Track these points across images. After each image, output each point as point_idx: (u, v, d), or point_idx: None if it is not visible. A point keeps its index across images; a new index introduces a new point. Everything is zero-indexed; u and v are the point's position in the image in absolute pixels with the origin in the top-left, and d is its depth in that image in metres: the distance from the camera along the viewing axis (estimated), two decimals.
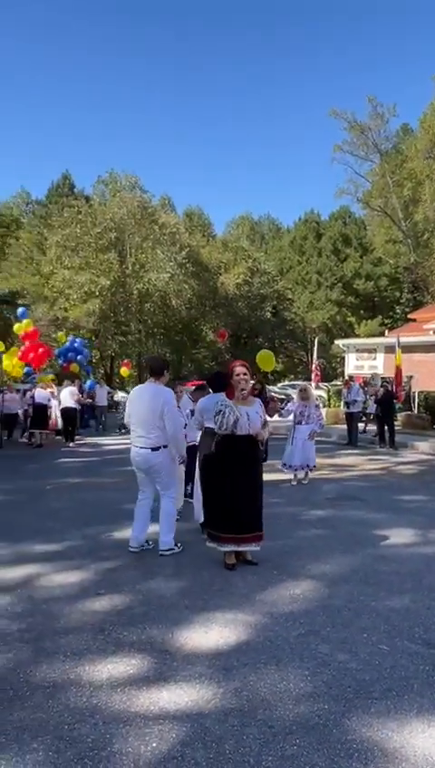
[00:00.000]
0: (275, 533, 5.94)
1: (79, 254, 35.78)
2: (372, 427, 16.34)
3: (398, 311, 50.85)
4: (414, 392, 19.73)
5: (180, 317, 40.48)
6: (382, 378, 21.33)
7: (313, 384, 24.40)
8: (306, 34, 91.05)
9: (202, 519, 5.66)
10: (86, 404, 18.05)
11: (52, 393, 15.83)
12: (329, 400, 23.86)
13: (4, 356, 16.61)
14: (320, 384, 27.43)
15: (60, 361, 20.73)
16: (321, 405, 23.16)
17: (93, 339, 35.86)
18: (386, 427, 14.35)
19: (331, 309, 50.90)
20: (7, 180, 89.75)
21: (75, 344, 20.68)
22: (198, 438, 6.51)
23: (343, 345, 25.83)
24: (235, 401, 5.02)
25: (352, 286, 51.85)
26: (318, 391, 26.56)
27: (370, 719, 2.77)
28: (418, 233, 39.52)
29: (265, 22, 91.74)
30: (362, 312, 52.56)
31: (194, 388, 7.73)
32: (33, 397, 15.32)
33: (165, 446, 5.35)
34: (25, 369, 17.75)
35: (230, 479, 4.99)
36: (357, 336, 43.07)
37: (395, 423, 14.95)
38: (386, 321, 48.71)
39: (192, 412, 6.66)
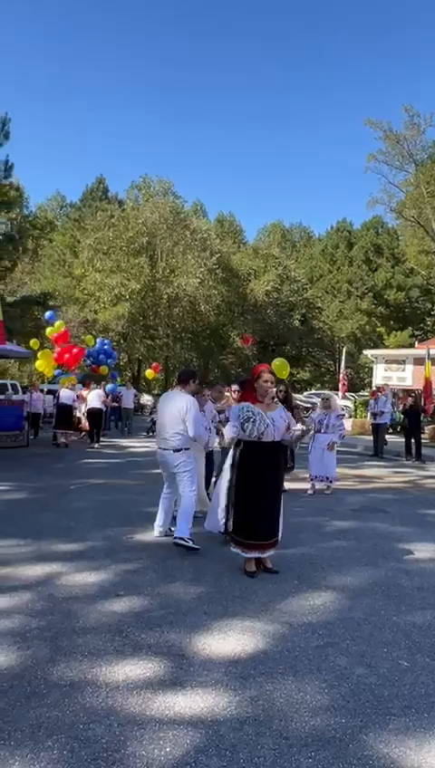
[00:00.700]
0: (297, 543, 5.90)
1: (110, 258, 36.16)
2: (395, 439, 16.14)
3: (429, 322, 50.28)
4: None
5: (208, 322, 40.57)
6: (409, 390, 21.08)
7: (339, 394, 24.25)
8: (347, 42, 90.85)
9: (218, 529, 5.65)
10: (111, 406, 18.21)
11: (78, 396, 16.02)
12: (355, 411, 23.65)
13: (39, 356, 16.82)
14: (347, 394, 27.24)
15: (88, 362, 20.89)
16: (347, 415, 22.97)
17: (122, 342, 36.15)
18: (413, 440, 14.15)
19: (360, 319, 50.44)
20: (44, 183, 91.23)
21: (105, 347, 20.84)
22: (215, 444, 6.60)
23: (372, 355, 25.60)
24: (264, 409, 4.99)
25: (382, 296, 51.31)
26: (345, 401, 26.40)
27: (388, 736, 2.72)
28: None
29: (307, 27, 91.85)
30: (391, 322, 51.95)
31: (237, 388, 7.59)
32: (57, 397, 15.51)
33: (186, 449, 5.76)
34: (56, 372, 17.99)
35: (256, 486, 4.98)
36: (386, 347, 42.64)
37: (422, 436, 14.74)
38: (416, 333, 48.10)
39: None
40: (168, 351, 40.78)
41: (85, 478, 9.90)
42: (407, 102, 63.07)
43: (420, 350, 22.40)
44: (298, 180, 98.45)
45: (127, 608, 4.16)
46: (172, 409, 5.73)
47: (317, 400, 12.19)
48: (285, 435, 5.06)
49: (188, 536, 5.63)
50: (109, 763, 2.47)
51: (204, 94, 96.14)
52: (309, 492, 8.98)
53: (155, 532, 6.13)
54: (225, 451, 5.91)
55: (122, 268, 35.86)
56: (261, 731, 2.73)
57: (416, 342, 33.22)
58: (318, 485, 9.10)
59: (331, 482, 9.13)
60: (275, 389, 5.13)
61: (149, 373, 22.06)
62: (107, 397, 17.00)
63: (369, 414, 16.58)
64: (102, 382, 17.27)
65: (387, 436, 16.12)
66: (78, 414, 16.32)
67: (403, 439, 14.92)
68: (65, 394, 15.31)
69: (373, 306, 51.10)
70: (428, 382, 17.16)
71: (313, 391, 36.24)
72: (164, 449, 5.78)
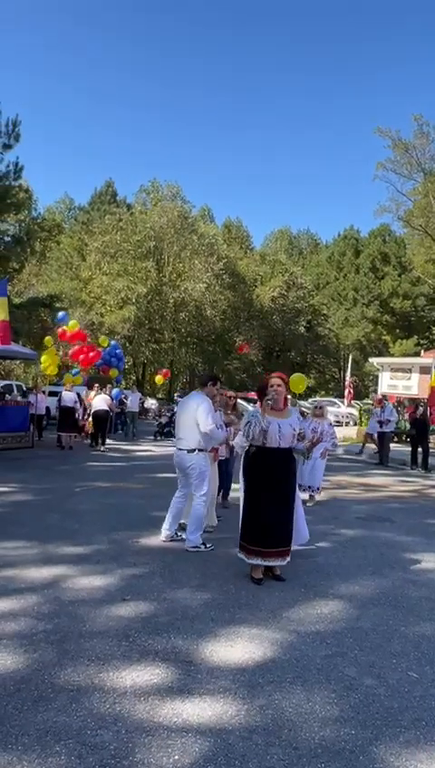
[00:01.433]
0: (304, 551, 5.86)
1: (117, 261, 36.25)
2: (399, 447, 16.06)
3: (434, 331, 50.15)
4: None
5: (214, 327, 40.61)
6: (414, 398, 21.02)
7: (345, 402, 24.20)
8: (356, 50, 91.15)
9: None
10: (115, 411, 18.24)
11: (82, 399, 16.06)
12: (360, 419, 23.59)
13: (43, 355, 16.85)
14: (352, 402, 27.18)
15: (98, 362, 20.91)
16: (351, 423, 22.86)
17: (127, 345, 36.17)
18: (420, 449, 14.07)
19: (366, 326, 50.41)
20: (52, 186, 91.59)
21: (117, 350, 20.86)
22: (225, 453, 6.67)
23: (378, 364, 25.51)
24: (265, 412, 4.98)
25: (388, 305, 51.27)
26: (350, 409, 26.34)
27: (398, 748, 2.69)
28: None
29: (313, 35, 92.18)
30: (397, 330, 51.88)
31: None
32: (59, 399, 15.52)
33: (200, 450, 5.86)
34: (73, 371, 18.19)
35: (259, 491, 4.97)
36: (391, 355, 42.52)
37: (429, 445, 14.67)
38: (422, 342, 47.99)
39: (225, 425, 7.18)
40: (173, 356, 40.84)
41: (90, 481, 9.89)
42: (417, 111, 63.17)
43: (426, 359, 22.34)
44: (306, 187, 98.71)
45: (133, 612, 4.14)
46: (189, 410, 5.89)
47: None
48: (297, 444, 5.00)
49: (200, 542, 5.79)
50: None
51: (214, 100, 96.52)
52: (308, 504, 8.85)
53: (162, 536, 6.14)
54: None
55: (129, 272, 35.94)
56: (270, 741, 2.70)
57: (422, 351, 33.13)
58: (303, 495, 8.93)
59: (314, 492, 8.80)
60: (281, 394, 5.05)
61: (158, 379, 22.09)
62: (112, 401, 17.01)
63: (371, 422, 16.45)
64: (108, 385, 17.25)
65: (391, 445, 16.05)
66: (78, 415, 16.27)
67: (406, 448, 14.88)
68: (67, 396, 15.31)
69: (379, 314, 51.07)
70: (433, 391, 17.10)
71: (316, 398, 36.18)
72: (179, 449, 5.95)
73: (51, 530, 6.39)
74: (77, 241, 42.37)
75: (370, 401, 32.83)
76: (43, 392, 17.53)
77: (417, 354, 34.36)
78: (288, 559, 5.03)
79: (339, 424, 24.52)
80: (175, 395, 20.98)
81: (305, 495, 8.77)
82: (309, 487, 8.70)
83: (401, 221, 42.07)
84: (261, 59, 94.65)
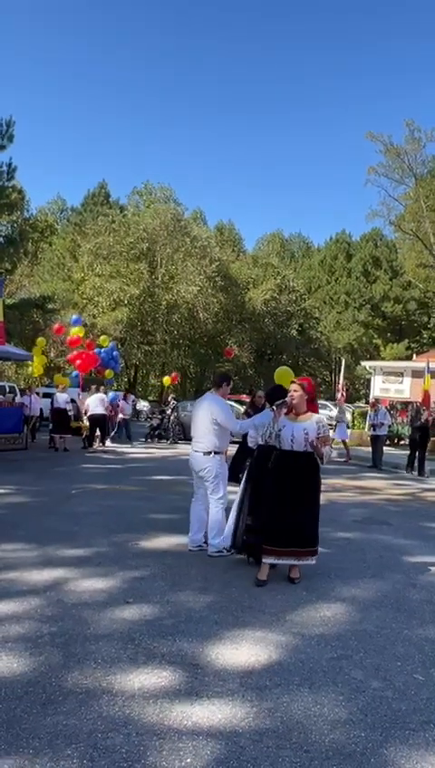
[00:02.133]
0: None
1: (110, 263, 36.17)
2: (392, 451, 16.09)
3: (425, 335, 50.46)
4: None
5: (206, 330, 40.58)
6: (407, 402, 21.12)
7: (338, 405, 24.23)
8: (349, 55, 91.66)
9: (228, 543, 5.68)
10: (110, 414, 18.20)
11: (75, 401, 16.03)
12: (353, 422, 23.65)
13: (34, 356, 16.77)
14: (344, 405, 27.24)
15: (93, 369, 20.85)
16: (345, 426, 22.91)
17: (119, 347, 36.10)
18: (417, 454, 13.96)
19: (357, 330, 50.65)
20: (44, 186, 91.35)
21: (114, 352, 20.82)
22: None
23: (370, 367, 25.65)
24: (279, 415, 5.11)
25: (379, 308, 51.55)
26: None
27: (408, 751, 2.70)
28: None
29: (309, 42, 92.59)
30: (388, 334, 52.17)
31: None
32: (52, 401, 15.47)
33: (216, 452, 5.82)
34: (73, 374, 18.22)
35: (270, 491, 5.06)
36: (382, 359, 42.76)
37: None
38: (412, 346, 48.31)
39: None
40: (165, 358, 40.75)
41: (86, 483, 9.86)
42: (408, 116, 63.62)
43: (418, 363, 22.46)
44: (298, 191, 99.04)
45: (137, 615, 4.13)
46: (204, 412, 5.86)
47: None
48: (318, 449, 4.96)
49: (222, 547, 5.73)
50: None
51: (206, 102, 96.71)
52: None
53: (190, 544, 5.98)
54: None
55: (122, 273, 35.88)
56: (281, 743, 2.71)
57: (414, 355, 33.34)
58: None
59: None
60: (294, 398, 5.09)
61: (166, 380, 22.18)
62: (107, 402, 16.98)
63: (367, 425, 16.56)
64: (101, 387, 17.17)
65: (384, 448, 16.09)
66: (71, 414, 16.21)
67: (399, 451, 14.86)
68: (61, 398, 15.26)
69: (371, 318, 51.33)
70: (426, 395, 17.19)
71: None
72: (195, 451, 5.91)
73: (49, 532, 6.37)
74: (70, 242, 42.28)
75: (362, 404, 33.01)
76: (37, 393, 17.43)
77: (408, 358, 34.56)
78: (305, 560, 5.01)
79: (331, 427, 24.56)
80: (169, 397, 20.86)
81: None
82: None
83: (393, 225, 42.36)
84: (253, 64, 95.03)
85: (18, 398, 18.94)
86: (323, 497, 9.21)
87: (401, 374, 23.37)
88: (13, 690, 3.05)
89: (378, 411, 14.97)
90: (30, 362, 16.66)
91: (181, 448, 16.08)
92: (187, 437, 11.04)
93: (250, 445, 5.93)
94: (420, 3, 78.21)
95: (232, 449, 6.22)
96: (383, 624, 4.23)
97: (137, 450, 16.13)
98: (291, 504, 4.92)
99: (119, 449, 15.92)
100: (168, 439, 18.90)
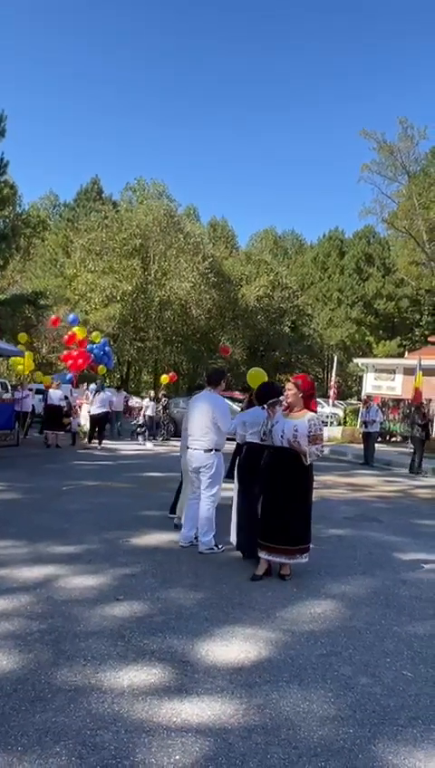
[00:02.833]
0: None
1: (103, 259, 36.02)
2: (384, 448, 16.11)
3: (417, 333, 50.62)
4: (433, 416, 19.50)
5: (199, 326, 40.51)
6: (399, 399, 21.19)
7: (329, 402, 24.31)
8: (342, 52, 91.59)
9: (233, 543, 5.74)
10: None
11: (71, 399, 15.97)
12: (345, 419, 23.73)
13: (25, 355, 16.68)
14: (336, 402, 27.31)
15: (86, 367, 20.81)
16: (335, 423, 22.97)
17: (112, 343, 36.01)
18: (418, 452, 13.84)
19: (350, 327, 50.74)
20: (37, 182, 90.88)
21: (106, 348, 20.76)
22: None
23: (362, 364, 25.67)
24: (273, 412, 5.17)
25: (372, 306, 51.67)
26: (334, 409, 26.48)
27: (396, 747, 2.71)
28: None
29: (299, 40, 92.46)
30: (380, 332, 52.34)
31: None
32: (45, 398, 15.44)
33: (216, 450, 5.85)
34: (68, 376, 18.18)
35: (259, 487, 5.15)
36: (374, 356, 42.87)
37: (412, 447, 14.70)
38: (404, 343, 48.46)
39: None
40: (157, 354, 40.66)
41: (77, 480, 9.84)
42: (401, 113, 63.59)
43: (410, 360, 22.51)
44: (291, 188, 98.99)
45: (127, 612, 4.13)
46: (204, 410, 5.87)
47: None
48: (298, 447, 4.97)
49: (213, 543, 5.80)
50: None
51: (201, 99, 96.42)
52: None
53: (181, 540, 6.00)
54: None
55: (115, 269, 35.73)
56: (270, 740, 2.72)
57: (406, 352, 33.43)
58: None
59: None
60: (288, 396, 5.15)
61: (163, 378, 22.20)
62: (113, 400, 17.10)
63: (359, 422, 16.61)
64: (97, 381, 17.09)
65: (376, 445, 16.13)
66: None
67: (391, 448, 14.85)
68: (54, 394, 15.23)
69: (363, 315, 51.44)
70: (417, 392, 17.25)
71: None
72: (195, 449, 5.89)
73: (40, 529, 6.35)
74: (62, 238, 42.11)
75: (354, 402, 33.09)
76: (30, 390, 17.37)
77: (400, 355, 34.67)
78: (295, 559, 5.02)
79: (324, 424, 24.62)
80: (160, 394, 20.83)
81: None
82: None
83: (386, 223, 42.38)
84: (247, 63, 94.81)
85: (7, 395, 18.86)
86: (315, 494, 9.26)
87: (393, 371, 23.40)
88: (1, 687, 3.04)
89: (370, 408, 15.04)
90: (21, 358, 16.49)
91: (172, 445, 16.06)
92: (178, 434, 11.01)
93: (238, 441, 5.96)
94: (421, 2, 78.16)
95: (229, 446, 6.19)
96: (373, 621, 4.25)
97: (129, 447, 16.10)
98: (281, 501, 4.94)
99: (109, 446, 15.88)
100: (156, 437, 18.85)
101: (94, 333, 20.69)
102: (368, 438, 14.89)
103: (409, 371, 21.13)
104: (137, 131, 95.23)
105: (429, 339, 32.41)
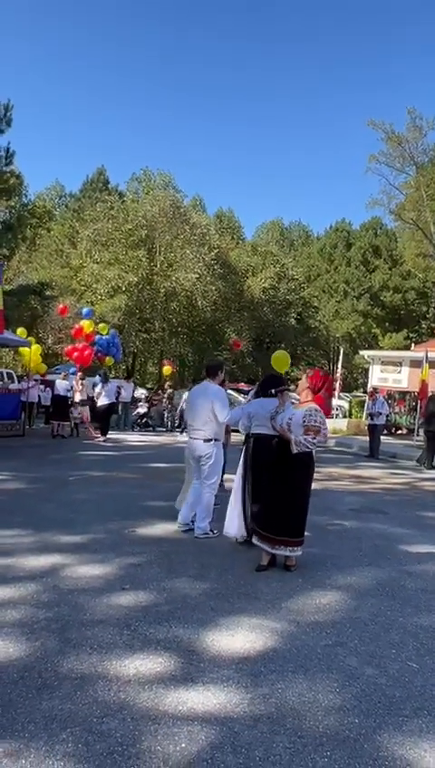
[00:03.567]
0: None
1: (109, 250, 35.93)
2: (390, 440, 16.05)
3: (424, 325, 50.40)
4: None
5: (205, 318, 40.41)
6: (406, 392, 21.14)
7: (335, 394, 24.26)
8: (349, 43, 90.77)
9: (232, 532, 5.70)
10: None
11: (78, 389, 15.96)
12: (350, 411, 23.69)
13: (32, 346, 16.70)
14: (341, 394, 27.29)
15: (95, 349, 20.78)
16: (341, 414, 22.92)
17: (118, 334, 36.00)
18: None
19: (356, 319, 50.51)
20: (43, 172, 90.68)
21: (115, 340, 20.74)
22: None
23: (368, 356, 25.61)
24: (283, 402, 5.27)
25: (379, 298, 51.41)
26: (340, 401, 26.47)
27: (402, 737, 2.72)
28: None
29: (309, 32, 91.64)
30: (387, 324, 52.09)
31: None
32: (52, 388, 15.47)
33: (216, 440, 5.99)
34: (71, 369, 18.21)
35: (265, 477, 5.17)
36: (380, 348, 42.73)
37: (419, 439, 14.65)
38: (411, 335, 48.28)
39: None
40: (163, 345, 40.66)
41: (84, 470, 9.87)
42: (410, 104, 63.04)
43: (416, 353, 22.43)
44: (298, 179, 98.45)
45: (133, 602, 4.15)
46: (203, 401, 6.00)
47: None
48: (284, 433, 4.96)
49: (208, 529, 5.95)
50: (125, 758, 2.45)
51: (207, 91, 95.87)
52: None
53: (179, 519, 6.22)
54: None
55: (120, 260, 35.64)
56: (275, 729, 2.72)
57: (412, 345, 33.32)
58: None
59: None
60: (301, 387, 5.23)
61: (166, 369, 22.24)
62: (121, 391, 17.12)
63: (365, 415, 16.58)
64: (100, 373, 17.09)
65: (381, 438, 16.07)
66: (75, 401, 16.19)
67: (398, 441, 14.77)
68: (61, 385, 15.26)
69: (370, 307, 51.17)
70: (424, 384, 17.19)
71: None
72: (195, 439, 6.04)
73: (46, 518, 6.38)
74: (68, 228, 42.03)
75: (360, 394, 33.02)
76: (36, 380, 17.40)
77: (407, 347, 34.53)
78: (296, 550, 5.02)
79: (329, 417, 24.62)
80: (166, 385, 20.86)
81: None
82: None
83: (393, 214, 42.10)
84: (252, 53, 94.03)
85: (14, 385, 18.90)
86: (319, 485, 9.27)
87: (400, 364, 23.34)
88: (8, 675, 3.06)
89: (376, 401, 14.97)
90: (28, 348, 16.50)
91: (180, 436, 16.08)
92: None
93: (241, 431, 5.95)
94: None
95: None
96: (378, 612, 4.25)
97: (134, 438, 16.13)
98: (282, 492, 4.95)
99: (115, 436, 15.91)
100: (153, 428, 18.87)
101: (101, 325, 20.70)
102: (374, 431, 14.85)
103: (415, 364, 21.07)
104: (143, 121, 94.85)
105: None
